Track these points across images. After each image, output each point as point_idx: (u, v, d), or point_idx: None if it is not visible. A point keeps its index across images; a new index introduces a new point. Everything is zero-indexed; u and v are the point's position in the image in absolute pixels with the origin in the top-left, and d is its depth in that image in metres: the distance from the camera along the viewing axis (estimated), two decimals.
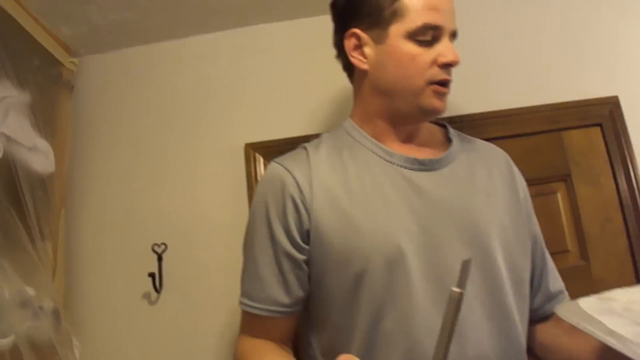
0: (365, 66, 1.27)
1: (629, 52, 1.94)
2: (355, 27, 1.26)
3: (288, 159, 1.28)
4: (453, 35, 1.24)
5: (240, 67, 1.97)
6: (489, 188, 1.27)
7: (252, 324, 1.26)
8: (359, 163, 1.25)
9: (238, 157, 1.86)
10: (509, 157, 1.42)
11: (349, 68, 1.35)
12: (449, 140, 1.36)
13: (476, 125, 1.82)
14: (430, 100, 1.22)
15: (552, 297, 1.33)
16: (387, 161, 1.25)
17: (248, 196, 1.82)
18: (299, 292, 1.22)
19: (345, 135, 1.33)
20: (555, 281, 1.36)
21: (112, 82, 2.01)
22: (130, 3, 1.80)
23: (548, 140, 1.86)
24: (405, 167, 1.24)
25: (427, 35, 1.19)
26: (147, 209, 1.89)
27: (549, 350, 1.26)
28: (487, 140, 1.80)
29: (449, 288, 1.06)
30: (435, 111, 1.24)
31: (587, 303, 1.03)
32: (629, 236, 1.78)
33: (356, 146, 1.29)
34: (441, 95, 1.23)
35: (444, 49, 1.20)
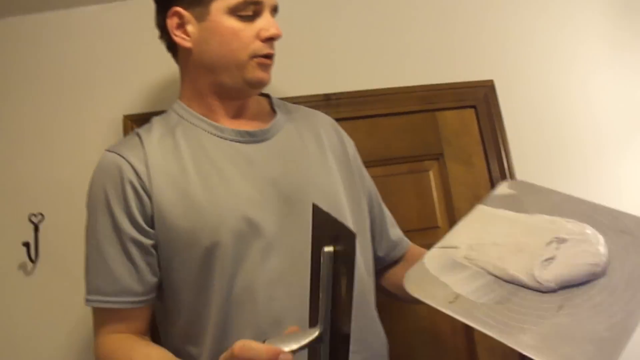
0: (188, 44, 1.28)
1: (506, 37, 2.02)
2: (177, 5, 1.27)
3: (121, 146, 1.27)
4: (274, 9, 1.29)
5: (124, 40, 1.97)
6: (318, 153, 1.33)
7: (107, 320, 1.21)
8: (191, 142, 1.26)
9: (117, 129, 1.87)
10: (334, 121, 1.50)
11: (173, 48, 1.35)
12: (274, 111, 1.40)
13: (354, 103, 1.88)
14: (255, 72, 1.25)
15: (396, 245, 1.49)
16: (219, 137, 1.27)
17: None
18: (151, 279, 1.20)
19: (176, 117, 1.33)
20: (394, 229, 1.51)
21: (23, 48, 1.98)
22: None
23: (423, 120, 1.93)
24: (237, 141, 1.27)
25: (249, 10, 1.23)
26: (26, 178, 1.86)
27: (400, 288, 1.32)
28: (365, 118, 1.87)
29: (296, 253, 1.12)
30: (261, 83, 1.28)
31: (432, 260, 1.09)
32: None
33: (187, 126, 1.30)
34: (266, 67, 1.27)
35: (265, 24, 1.25)
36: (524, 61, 2.04)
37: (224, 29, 1.23)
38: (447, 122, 1.94)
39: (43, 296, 1.80)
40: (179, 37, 1.28)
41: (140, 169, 1.20)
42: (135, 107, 1.89)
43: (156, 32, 1.93)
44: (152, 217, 1.18)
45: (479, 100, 1.95)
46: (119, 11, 1.99)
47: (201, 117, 1.31)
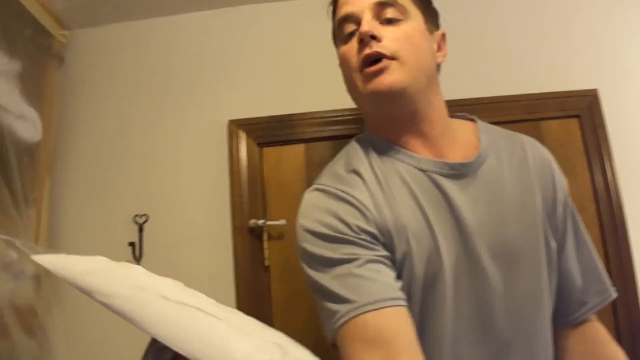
0: None
1: (610, 47, 2.01)
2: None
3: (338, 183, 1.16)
4: (380, 4, 1.14)
5: (228, 46, 2.05)
6: (521, 196, 1.17)
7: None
8: (391, 175, 1.15)
9: (221, 134, 1.94)
10: (549, 154, 1.31)
11: None
12: (478, 138, 1.24)
13: (459, 112, 1.89)
14: (365, 88, 1.13)
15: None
16: (417, 168, 1.15)
17: (229, 172, 1.90)
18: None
19: (370, 149, 1.21)
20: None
21: (102, 55, 2.08)
22: None
23: (526, 129, 1.92)
24: (436, 173, 1.14)
25: (348, 28, 1.17)
26: (131, 181, 1.97)
27: None
28: None
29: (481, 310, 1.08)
30: (375, 94, 1.12)
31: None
32: (601, 226, 1.86)
33: (383, 158, 1.18)
34: (372, 76, 1.12)
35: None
36: (629, 70, 2.02)
37: (340, 59, 1.22)
38: (550, 132, 1.94)
39: None
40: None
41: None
42: (240, 113, 1.95)
43: (261, 38, 2.00)
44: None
45: (583, 110, 1.94)
46: (225, 17, 2.07)
47: (395, 145, 1.19)
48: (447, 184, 1.12)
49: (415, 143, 1.18)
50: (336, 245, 1.05)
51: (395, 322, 0.98)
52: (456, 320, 1.06)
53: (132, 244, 1.88)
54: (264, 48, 2.03)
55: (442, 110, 1.23)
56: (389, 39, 1.12)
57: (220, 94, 2.01)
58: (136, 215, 1.92)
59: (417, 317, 1.04)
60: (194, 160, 1.96)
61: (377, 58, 1.11)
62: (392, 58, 1.11)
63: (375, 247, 1.05)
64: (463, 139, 1.22)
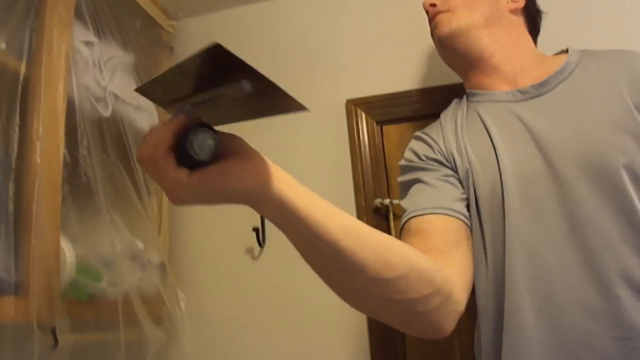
0: None
1: None
2: None
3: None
4: None
5: (339, 23, 2.01)
6: (610, 111, 1.16)
7: None
8: (469, 116, 1.34)
9: (340, 113, 1.91)
10: None
11: None
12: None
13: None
14: (432, 35, 1.45)
15: None
16: (492, 102, 1.33)
17: (350, 152, 1.86)
18: None
19: (463, 100, 1.43)
20: None
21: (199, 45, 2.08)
22: None
23: None
24: (509, 101, 1.29)
25: None
26: None
27: None
28: None
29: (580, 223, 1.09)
30: (439, 39, 1.41)
31: None
32: None
33: (469, 104, 1.39)
34: (433, 25, 1.42)
35: None
36: None
37: None
38: None
39: (270, 279, 1.89)
40: None
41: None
42: (358, 91, 1.91)
43: (375, 13, 1.96)
44: None
45: None
46: None
47: (475, 91, 1.39)
48: (520, 108, 1.25)
49: (490, 81, 1.35)
50: (408, 172, 1.31)
51: (432, 226, 1.14)
52: (536, 233, 1.11)
53: (256, 230, 1.87)
54: (378, 23, 1.98)
55: (517, 47, 1.37)
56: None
57: (336, 73, 1.97)
58: None
59: (490, 228, 1.16)
60: (313, 141, 1.93)
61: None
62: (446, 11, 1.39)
63: (440, 169, 1.25)
64: (548, 66, 1.30)
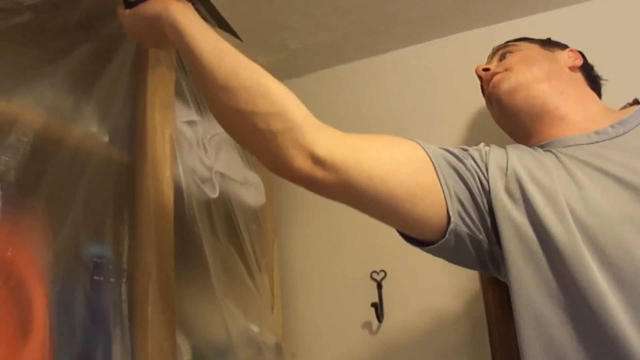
0: None
1: None
2: None
3: None
4: (498, 51, 1.48)
5: (445, 77, 1.90)
6: None
7: None
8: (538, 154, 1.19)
9: None
10: None
11: None
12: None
13: None
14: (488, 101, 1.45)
15: None
16: (567, 146, 1.19)
17: None
18: None
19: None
20: None
21: (310, 105, 2.01)
22: (327, 25, 1.82)
23: None
24: (586, 144, 1.18)
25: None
26: (362, 235, 1.86)
27: None
28: None
29: None
30: (498, 98, 1.36)
31: None
32: None
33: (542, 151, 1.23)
34: (490, 88, 1.39)
35: None
36: None
37: None
38: None
39: (388, 355, 1.78)
40: None
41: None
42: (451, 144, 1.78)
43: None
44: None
45: None
46: (437, 49, 1.94)
47: (544, 142, 1.26)
48: (599, 149, 1.13)
49: (559, 130, 1.25)
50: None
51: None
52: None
53: (374, 305, 1.75)
54: None
55: (583, 98, 1.31)
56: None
57: (446, 127, 1.85)
58: (373, 272, 1.81)
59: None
60: None
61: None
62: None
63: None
64: (620, 113, 1.23)
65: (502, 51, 1.45)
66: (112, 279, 1.19)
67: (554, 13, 1.81)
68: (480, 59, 1.76)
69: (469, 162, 1.12)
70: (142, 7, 1.11)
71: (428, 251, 1.12)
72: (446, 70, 1.91)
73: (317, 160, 0.97)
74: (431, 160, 1.06)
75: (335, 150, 0.98)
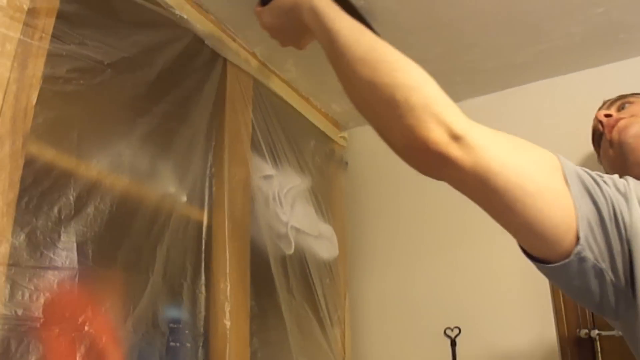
0: None
1: None
2: None
3: None
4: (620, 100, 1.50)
5: (519, 129, 1.82)
6: None
7: None
8: None
9: None
10: None
11: None
12: None
13: None
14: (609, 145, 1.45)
15: None
16: None
17: None
18: None
19: None
20: None
21: (382, 153, 1.97)
22: None
23: None
24: None
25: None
26: (436, 290, 1.81)
27: None
28: None
29: None
30: (623, 142, 1.37)
31: None
32: None
33: None
34: (614, 133, 1.42)
35: None
36: None
37: None
38: None
39: None
40: None
41: None
42: None
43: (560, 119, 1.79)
44: None
45: None
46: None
47: None
48: None
49: None
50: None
51: None
52: None
53: None
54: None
55: None
56: None
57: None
58: (447, 328, 1.74)
59: None
60: (508, 264, 1.73)
61: None
62: None
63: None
64: None
65: (620, 102, 1.50)
66: (188, 344, 1.17)
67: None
68: (556, 105, 1.74)
69: (605, 187, 1.04)
70: (278, 1, 1.18)
71: (547, 271, 1.03)
72: (525, 116, 1.86)
73: (455, 136, 0.92)
74: (564, 172, 0.99)
75: (472, 129, 0.94)
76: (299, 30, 1.20)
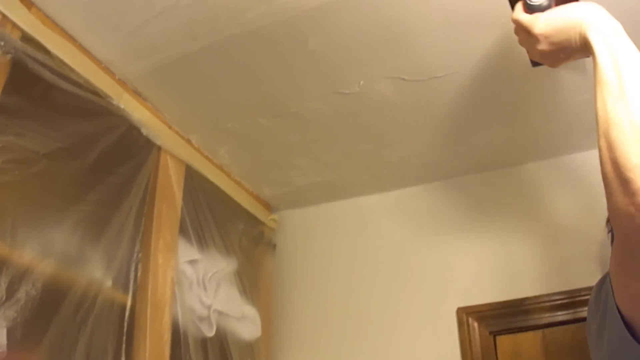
0: None
1: None
2: None
3: None
4: None
5: (445, 221, 1.99)
6: None
7: None
8: None
9: (451, 322, 1.83)
10: None
11: None
12: None
13: None
14: None
15: None
16: None
17: None
18: None
19: None
20: None
21: (312, 236, 2.10)
22: (333, 165, 1.94)
23: None
24: None
25: None
26: None
27: None
28: None
29: None
30: None
31: None
32: None
33: None
34: None
35: None
36: None
37: None
38: None
39: None
40: None
41: None
42: (470, 299, 1.83)
43: (484, 219, 1.91)
44: None
45: None
46: (437, 193, 2.03)
47: None
48: None
49: None
50: None
51: None
52: None
53: None
54: (488, 230, 1.94)
55: None
56: None
57: (445, 279, 1.91)
58: None
59: None
60: (420, 352, 1.84)
61: None
62: None
63: None
64: None
65: None
66: None
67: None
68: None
69: None
70: (560, 10, 1.08)
71: None
72: (440, 211, 2.01)
73: None
74: None
75: None
76: (570, 48, 1.07)
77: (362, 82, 1.56)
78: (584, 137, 1.77)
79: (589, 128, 1.59)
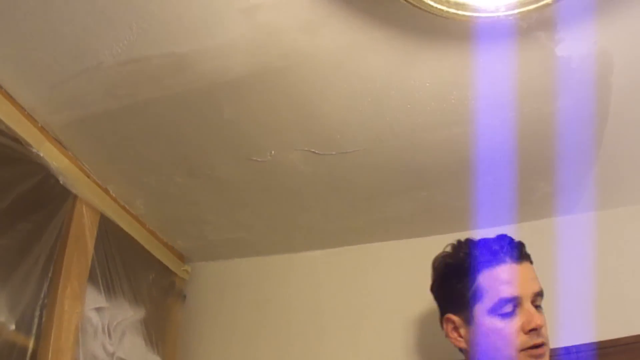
0: (463, 345, 1.45)
1: None
2: (449, 312, 1.47)
3: None
4: (538, 294, 1.40)
5: (351, 285, 2.09)
6: None
7: None
8: None
9: None
10: None
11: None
12: None
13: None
14: None
15: None
16: None
17: None
18: None
19: None
20: None
21: (222, 289, 2.18)
22: (245, 225, 2.05)
23: None
24: None
25: (507, 307, 1.37)
26: None
27: None
28: None
29: None
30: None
31: None
32: None
33: None
34: (537, 357, 1.34)
35: (527, 317, 1.36)
36: None
37: (487, 329, 1.38)
38: None
39: None
40: (454, 340, 1.47)
41: None
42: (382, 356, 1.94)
43: (389, 280, 2.03)
44: None
45: None
46: (344, 256, 2.15)
47: None
48: None
49: None
50: None
51: None
52: None
53: None
54: (396, 288, 2.05)
55: None
56: (544, 328, 1.36)
57: (353, 337, 2.00)
58: None
59: None
60: None
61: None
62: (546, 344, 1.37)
63: None
64: None
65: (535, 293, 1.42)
66: None
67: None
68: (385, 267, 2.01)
69: None
70: None
71: None
72: (357, 274, 2.12)
73: None
74: None
75: None
76: None
77: (273, 152, 1.68)
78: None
79: None
